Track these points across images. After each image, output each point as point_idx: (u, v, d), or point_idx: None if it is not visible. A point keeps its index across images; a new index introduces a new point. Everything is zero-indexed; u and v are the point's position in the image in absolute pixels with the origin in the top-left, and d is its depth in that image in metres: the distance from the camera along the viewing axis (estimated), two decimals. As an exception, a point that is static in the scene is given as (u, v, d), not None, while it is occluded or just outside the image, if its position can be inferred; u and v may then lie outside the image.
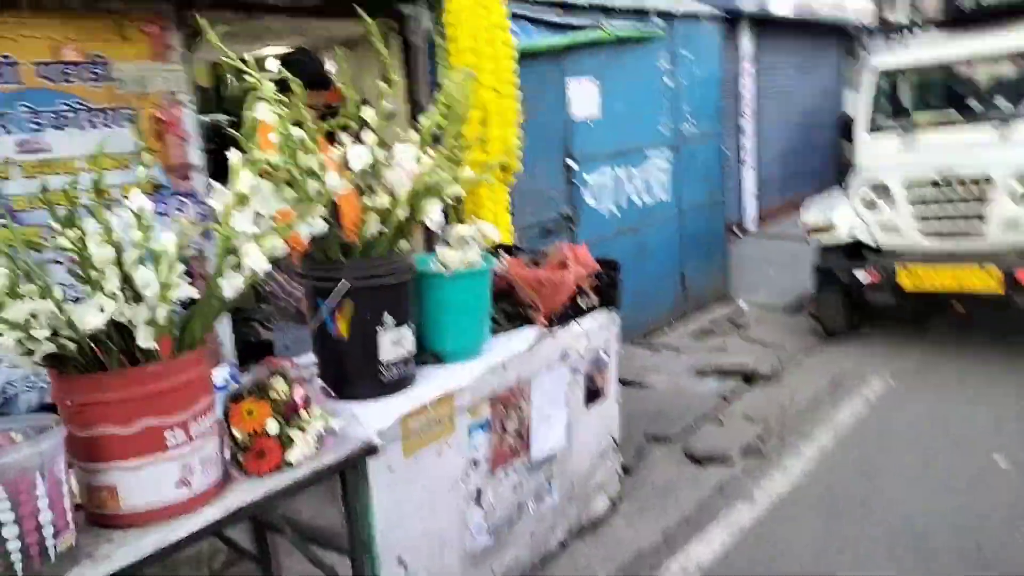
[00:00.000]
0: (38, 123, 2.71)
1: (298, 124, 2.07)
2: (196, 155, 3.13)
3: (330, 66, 4.10)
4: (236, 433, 1.98)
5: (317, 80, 2.83)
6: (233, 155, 1.93)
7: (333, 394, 2.32)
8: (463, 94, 2.23)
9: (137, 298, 1.68)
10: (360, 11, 2.38)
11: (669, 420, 4.35)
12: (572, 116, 5.24)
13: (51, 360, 1.69)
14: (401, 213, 2.19)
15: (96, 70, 2.84)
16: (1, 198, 2.62)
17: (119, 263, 1.64)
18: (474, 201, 3.61)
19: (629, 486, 3.61)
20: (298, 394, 2.11)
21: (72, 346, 1.61)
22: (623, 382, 4.82)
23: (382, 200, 2.18)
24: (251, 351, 3.32)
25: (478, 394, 2.61)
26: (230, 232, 1.87)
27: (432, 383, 2.48)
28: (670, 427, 4.26)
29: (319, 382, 2.34)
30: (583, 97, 5.33)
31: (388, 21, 3.97)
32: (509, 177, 3.37)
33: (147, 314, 1.66)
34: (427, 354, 2.59)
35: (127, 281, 1.66)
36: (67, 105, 2.78)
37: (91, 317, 1.56)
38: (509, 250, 3.49)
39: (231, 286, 1.89)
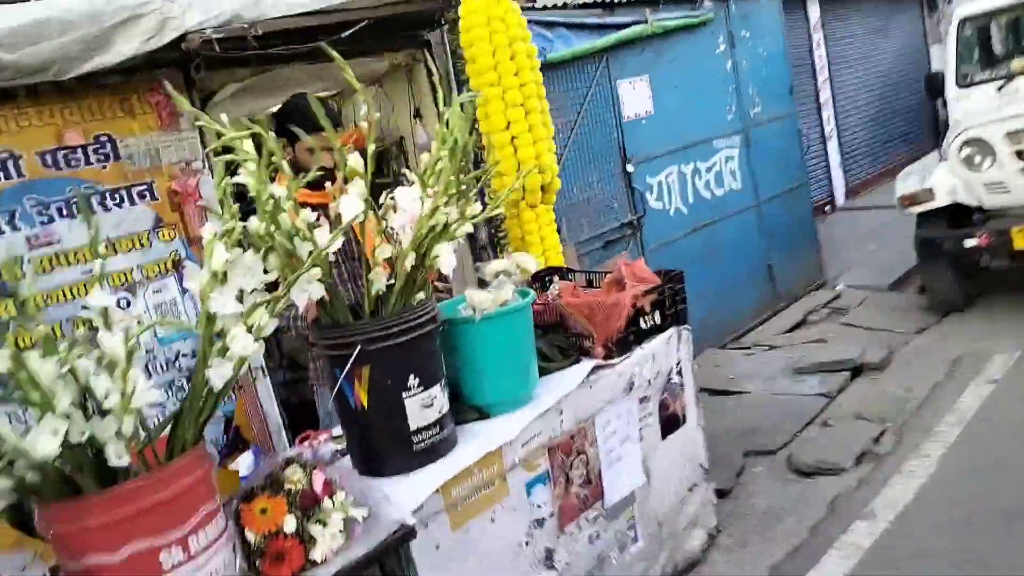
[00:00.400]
0: (48, 215, 2.62)
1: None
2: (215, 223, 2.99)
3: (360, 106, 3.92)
4: (249, 537, 1.79)
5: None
6: (206, 228, 1.74)
7: (364, 472, 2.10)
8: (464, 121, 1.98)
9: (103, 411, 1.50)
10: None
11: (769, 430, 3.95)
12: (625, 117, 4.93)
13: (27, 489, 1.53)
14: (408, 262, 1.95)
15: (103, 150, 2.74)
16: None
17: (74, 375, 1.46)
18: (518, 226, 3.35)
19: (727, 514, 3.25)
20: (318, 482, 1.90)
21: (33, 476, 1.44)
22: (712, 393, 4.46)
23: (383, 250, 1.94)
24: (297, 415, 3.16)
25: (531, 446, 2.34)
26: (207, 316, 1.69)
27: (475, 442, 2.22)
28: (770, 438, 3.86)
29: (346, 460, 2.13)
30: (635, 96, 5.03)
31: (413, 52, 3.78)
32: (550, 197, 3.09)
33: (112, 427, 1.48)
34: (469, 410, 2.34)
35: (88, 393, 1.48)
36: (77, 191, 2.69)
37: (43, 444, 1.38)
38: (561, 273, 3.21)
39: (219, 375, 1.70)
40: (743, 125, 5.83)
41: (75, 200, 2.62)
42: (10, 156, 2.56)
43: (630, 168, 4.93)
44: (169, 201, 2.89)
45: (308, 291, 1.86)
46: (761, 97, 5.96)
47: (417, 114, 3.74)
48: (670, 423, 2.89)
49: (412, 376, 2.05)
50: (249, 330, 1.72)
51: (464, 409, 2.34)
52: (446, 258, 1.98)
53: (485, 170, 2.02)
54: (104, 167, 2.75)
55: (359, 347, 1.97)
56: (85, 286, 2.69)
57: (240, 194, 1.84)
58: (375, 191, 2.22)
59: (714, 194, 5.63)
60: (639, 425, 2.74)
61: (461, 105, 2.04)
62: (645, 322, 2.79)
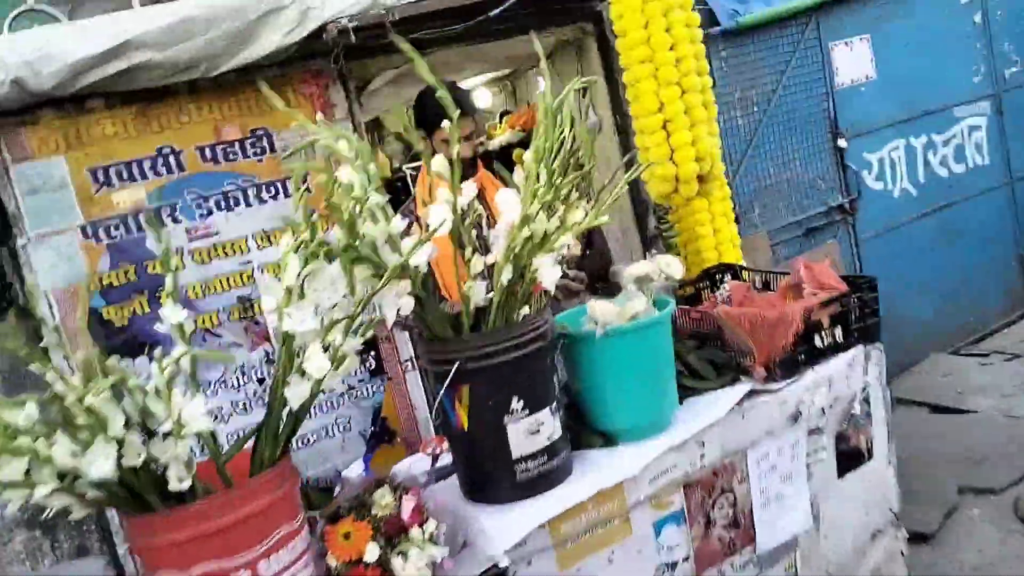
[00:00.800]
0: (207, 207, 2.71)
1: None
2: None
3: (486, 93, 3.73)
4: (331, 562, 1.69)
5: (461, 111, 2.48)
6: (283, 240, 1.65)
7: (468, 496, 1.94)
8: (570, 107, 1.72)
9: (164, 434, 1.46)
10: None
11: (996, 463, 3.29)
12: (838, 84, 4.31)
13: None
14: (504, 276, 1.73)
15: (260, 144, 2.79)
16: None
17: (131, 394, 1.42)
18: (687, 218, 3.00)
19: (925, 566, 2.73)
20: (408, 507, 1.76)
21: (95, 493, 1.43)
22: (933, 409, 3.82)
23: (477, 263, 1.75)
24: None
25: (662, 481, 2.05)
26: (284, 335, 1.60)
27: (594, 474, 1.98)
28: (996, 474, 3.21)
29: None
30: (851, 59, 4.37)
31: (581, 25, 3.52)
32: (710, 188, 2.71)
33: (170, 450, 1.43)
34: (593, 435, 2.10)
35: (146, 415, 1.44)
36: (234, 184, 2.76)
37: (97, 467, 1.35)
38: (735, 272, 2.83)
39: (296, 395, 1.61)
40: (994, 89, 4.91)
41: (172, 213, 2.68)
42: (172, 152, 2.67)
43: (843, 143, 4.30)
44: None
45: (399, 305, 1.72)
46: (1021, 54, 4.97)
47: (584, 94, 3.48)
48: (850, 458, 2.44)
49: (516, 399, 1.84)
50: (326, 349, 1.61)
51: (587, 433, 2.10)
52: (547, 272, 1.74)
53: (587, 171, 1.74)
54: (260, 160, 2.80)
55: (456, 365, 1.80)
56: (241, 276, 2.78)
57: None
58: None
59: (952, 171, 4.81)
60: (807, 460, 2.33)
61: (583, 90, 1.78)
62: (821, 339, 2.36)
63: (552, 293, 1.81)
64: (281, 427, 1.66)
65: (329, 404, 2.89)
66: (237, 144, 2.75)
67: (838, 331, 2.38)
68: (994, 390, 3.96)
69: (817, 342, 2.34)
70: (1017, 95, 5.00)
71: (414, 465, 2.22)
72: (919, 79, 4.57)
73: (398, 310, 1.71)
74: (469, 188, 1.81)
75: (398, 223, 1.71)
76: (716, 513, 2.15)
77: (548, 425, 1.90)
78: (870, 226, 4.42)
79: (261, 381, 2.81)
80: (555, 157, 1.68)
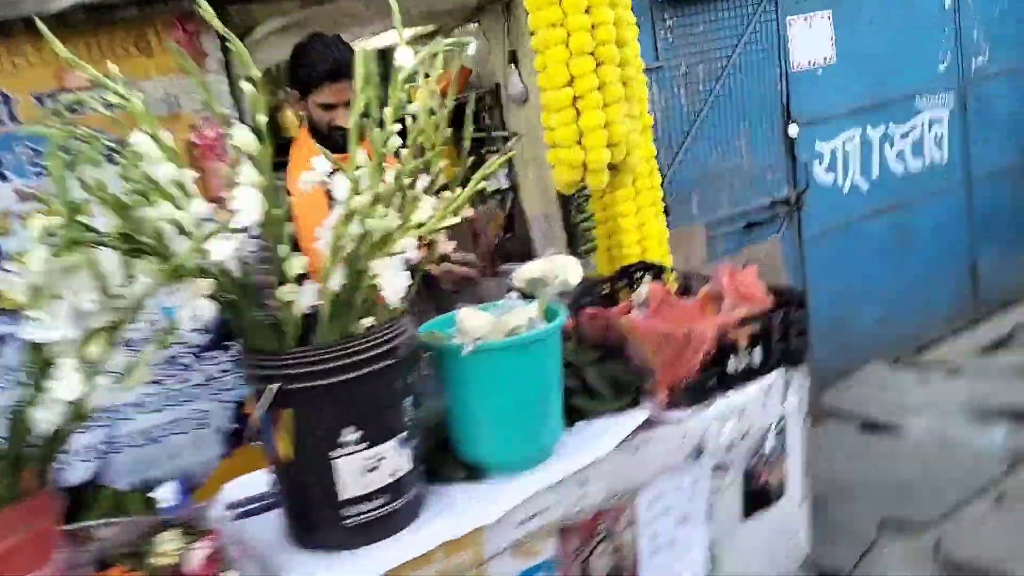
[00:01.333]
0: (42, 166, 2.31)
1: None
2: (245, 181, 2.58)
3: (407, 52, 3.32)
4: (89, 626, 1.37)
5: (342, 71, 2.11)
6: (33, 221, 1.29)
7: (290, 538, 1.61)
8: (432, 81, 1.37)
9: None
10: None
11: (921, 495, 3.05)
12: (794, 65, 3.99)
13: None
14: (333, 281, 1.39)
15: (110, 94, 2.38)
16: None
17: None
18: (608, 208, 2.68)
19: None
20: (197, 558, 1.43)
21: None
22: (863, 427, 3.59)
23: (294, 263, 1.40)
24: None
25: (532, 525, 1.74)
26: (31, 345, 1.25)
27: (449, 516, 1.66)
28: (920, 508, 2.97)
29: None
30: (810, 38, 4.05)
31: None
32: (624, 179, 2.39)
33: None
34: (455, 466, 1.78)
35: None
36: (78, 140, 2.35)
37: None
38: (657, 271, 2.52)
39: (45, 420, 1.27)
40: (960, 80, 4.62)
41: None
42: (3, 98, 2.27)
43: (793, 131, 4.00)
44: (188, 156, 2.50)
45: (195, 310, 1.37)
46: (991, 43, 4.68)
47: (512, 58, 3.11)
48: (758, 498, 2.16)
49: (349, 429, 1.51)
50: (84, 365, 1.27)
51: (450, 464, 1.78)
52: (391, 280, 1.39)
53: (429, 158, 1.39)
54: (112, 114, 2.39)
55: (273, 385, 1.46)
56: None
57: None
58: (472, 147, 1.68)
59: (908, 168, 4.55)
60: (708, 501, 2.05)
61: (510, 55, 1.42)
62: (736, 361, 2.06)
63: (391, 310, 1.46)
64: (27, 456, 1.31)
65: (182, 395, 2.55)
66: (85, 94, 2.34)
67: (756, 353, 2.09)
68: (930, 409, 3.73)
69: (730, 365, 2.04)
70: (983, 88, 4.74)
71: (253, 483, 1.89)
72: (881, 63, 4.27)
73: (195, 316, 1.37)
74: (320, 164, 1.47)
75: (199, 207, 1.36)
76: (595, 563, 1.86)
77: (392, 460, 1.57)
78: (815, 222, 4.15)
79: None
80: (387, 138, 1.33)
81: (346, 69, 2.24)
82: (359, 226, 1.31)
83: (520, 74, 3.17)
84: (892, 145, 4.43)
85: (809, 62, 4.00)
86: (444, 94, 1.52)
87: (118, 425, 2.58)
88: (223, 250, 1.29)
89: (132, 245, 1.30)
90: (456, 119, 1.73)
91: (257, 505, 1.74)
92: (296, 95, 2.24)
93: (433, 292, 2.43)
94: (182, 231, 1.34)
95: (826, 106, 4.11)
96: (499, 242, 3.53)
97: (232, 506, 1.81)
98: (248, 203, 1.33)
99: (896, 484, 3.10)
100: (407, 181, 1.35)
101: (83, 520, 1.59)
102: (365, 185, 1.29)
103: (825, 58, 4.05)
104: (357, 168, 1.31)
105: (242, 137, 1.33)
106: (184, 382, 2.59)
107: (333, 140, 2.11)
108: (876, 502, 2.95)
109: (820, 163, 4.14)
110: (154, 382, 2.59)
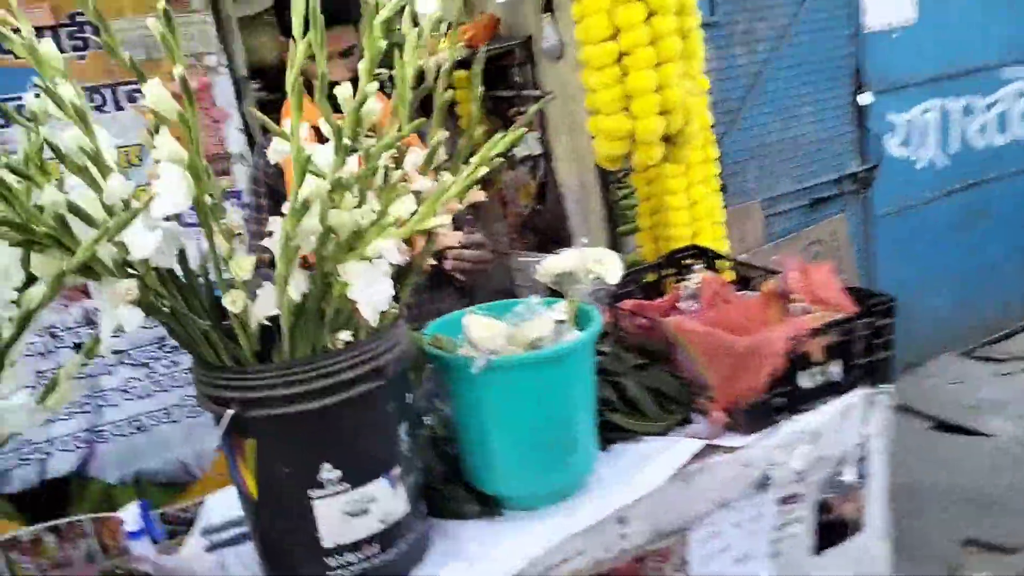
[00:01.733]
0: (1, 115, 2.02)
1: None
2: (236, 139, 2.26)
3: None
4: None
5: (338, 15, 1.78)
6: None
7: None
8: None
9: None
10: None
11: (1009, 508, 2.68)
12: (866, 27, 3.55)
13: None
14: (294, 288, 1.06)
15: (80, 35, 2.08)
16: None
17: None
18: (654, 183, 2.32)
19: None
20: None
21: None
22: (938, 426, 3.21)
23: (243, 263, 1.07)
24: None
25: (560, 572, 1.42)
26: None
27: (461, 561, 1.35)
28: (1008, 524, 2.60)
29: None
30: (887, -3, 3.59)
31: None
32: (681, 153, 2.01)
33: None
34: (468, 500, 1.47)
35: None
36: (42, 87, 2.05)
37: None
38: (711, 258, 2.16)
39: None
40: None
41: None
42: None
43: (865, 99, 3.57)
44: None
45: (118, 317, 1.05)
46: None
47: (547, 6, 2.73)
48: (833, 531, 1.81)
49: (327, 465, 1.20)
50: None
51: (462, 497, 1.47)
52: (364, 289, 1.05)
53: (396, 136, 1.05)
54: (82, 58, 2.09)
55: (234, 412, 1.15)
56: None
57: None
58: (497, 106, 1.35)
59: (990, 143, 4.10)
60: (774, 536, 1.71)
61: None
62: (811, 378, 1.70)
63: (380, 318, 1.13)
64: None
65: (171, 380, 2.29)
66: (49, 33, 2.03)
67: (835, 367, 1.72)
68: (1011, 409, 3.34)
69: (803, 382, 1.69)
70: (1077, 58, 4.24)
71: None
72: (966, 28, 3.81)
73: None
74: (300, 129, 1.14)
75: (118, 185, 1.04)
76: (636, 615, 1.54)
77: (384, 502, 1.26)
78: (886, 201, 3.74)
79: (78, 346, 2.20)
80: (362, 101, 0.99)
81: (342, 14, 1.91)
82: (316, 221, 0.97)
83: (556, 24, 2.80)
84: (974, 118, 3.97)
85: (885, 22, 3.56)
86: (472, 45, 1.19)
87: (102, 412, 2.34)
88: (145, 244, 0.96)
89: (26, 236, 0.98)
90: (486, 76, 1.39)
91: (236, 533, 1.45)
92: (286, 43, 1.91)
93: (453, 282, 2.11)
94: (89, 221, 1.02)
95: (903, 72, 3.67)
96: (529, 214, 3.20)
97: (208, 531, 1.53)
98: (170, 186, 0.99)
99: (978, 497, 2.72)
100: (384, 162, 1.01)
101: (69, 515, 1.37)
102: (326, 165, 0.95)
103: (906, 20, 3.60)
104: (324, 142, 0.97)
105: (155, 95, 0.99)
106: (173, 365, 2.33)
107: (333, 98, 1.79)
108: (957, 515, 2.58)
109: (893, 135, 3.71)
110: (141, 365, 2.35)
